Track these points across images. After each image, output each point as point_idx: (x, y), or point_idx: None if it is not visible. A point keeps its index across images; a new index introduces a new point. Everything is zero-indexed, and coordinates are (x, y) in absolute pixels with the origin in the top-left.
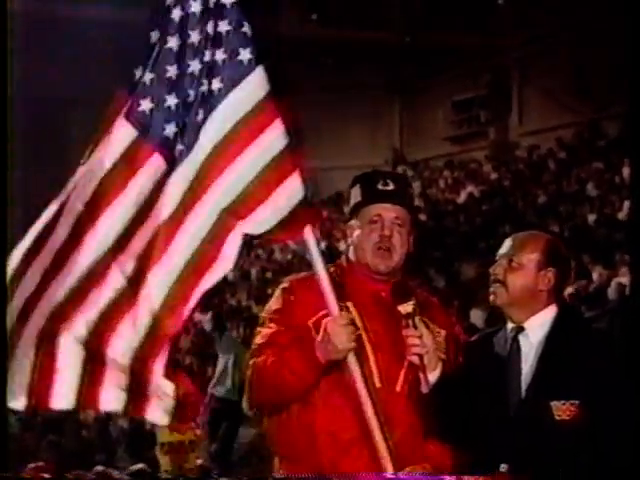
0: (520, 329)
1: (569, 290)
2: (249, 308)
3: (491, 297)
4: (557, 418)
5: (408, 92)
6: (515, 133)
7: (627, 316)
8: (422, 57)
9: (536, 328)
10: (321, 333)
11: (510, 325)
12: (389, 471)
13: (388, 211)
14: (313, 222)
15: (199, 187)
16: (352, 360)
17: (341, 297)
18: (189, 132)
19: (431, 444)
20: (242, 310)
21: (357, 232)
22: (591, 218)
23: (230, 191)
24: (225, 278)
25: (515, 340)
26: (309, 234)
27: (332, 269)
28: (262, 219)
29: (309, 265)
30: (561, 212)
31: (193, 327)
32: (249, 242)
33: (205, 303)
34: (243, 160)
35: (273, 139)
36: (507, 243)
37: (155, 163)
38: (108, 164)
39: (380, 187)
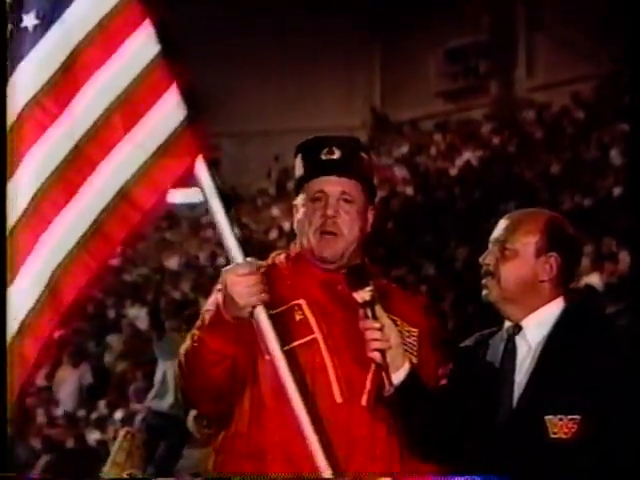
0: (517, 328)
1: (589, 280)
2: (195, 302)
3: (483, 292)
4: (552, 436)
5: (391, 38)
6: (522, 87)
7: None
8: None
9: (535, 327)
10: (222, 286)
11: (507, 324)
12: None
13: (333, 185)
14: (203, 149)
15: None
16: (263, 321)
17: (292, 294)
18: None
19: (413, 460)
20: (187, 304)
21: (301, 212)
22: (616, 192)
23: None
24: (165, 266)
25: (510, 341)
26: (200, 165)
27: (281, 257)
28: (135, 149)
29: (267, 249)
30: (579, 184)
31: (128, 326)
32: (195, 221)
33: (139, 296)
34: (106, 73)
35: (140, 44)
36: (500, 225)
37: None
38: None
39: (323, 156)
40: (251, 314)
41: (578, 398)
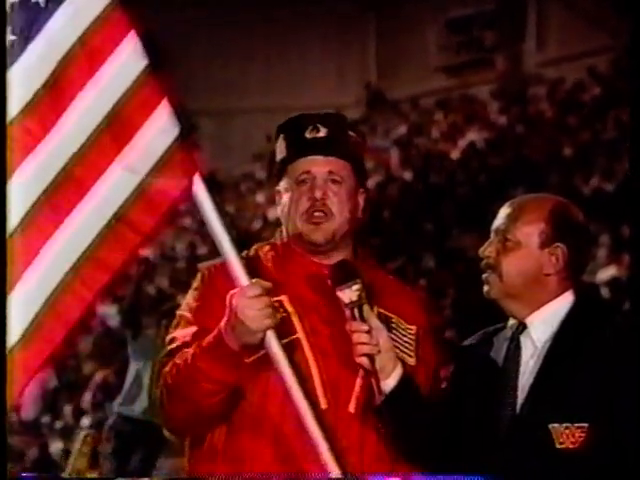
0: (521, 327)
1: (607, 273)
2: (173, 297)
3: (484, 287)
4: (558, 446)
5: (387, 6)
6: (531, 62)
7: None
8: None
9: (541, 325)
10: (227, 311)
11: (511, 321)
12: None
13: (319, 165)
14: (199, 168)
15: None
16: (274, 345)
17: (274, 290)
18: None
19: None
20: (163, 300)
21: (285, 197)
22: None
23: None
24: (139, 257)
25: (514, 340)
26: (198, 183)
27: (264, 249)
28: (128, 171)
29: (251, 239)
30: (594, 168)
31: (101, 325)
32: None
33: (111, 291)
34: (91, 91)
35: (125, 58)
36: (501, 213)
37: None
38: None
39: (308, 135)
40: (261, 339)
41: (586, 404)
